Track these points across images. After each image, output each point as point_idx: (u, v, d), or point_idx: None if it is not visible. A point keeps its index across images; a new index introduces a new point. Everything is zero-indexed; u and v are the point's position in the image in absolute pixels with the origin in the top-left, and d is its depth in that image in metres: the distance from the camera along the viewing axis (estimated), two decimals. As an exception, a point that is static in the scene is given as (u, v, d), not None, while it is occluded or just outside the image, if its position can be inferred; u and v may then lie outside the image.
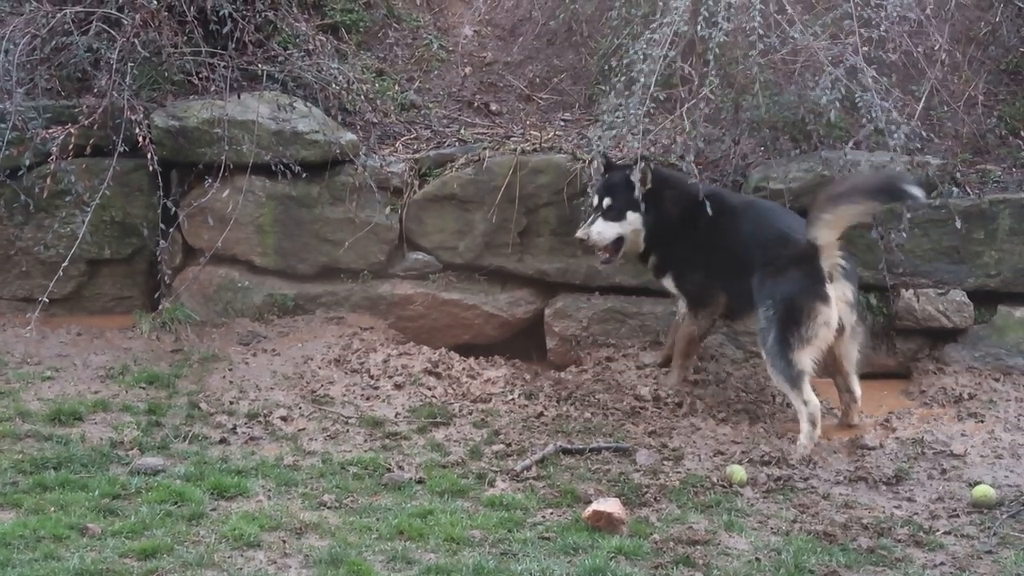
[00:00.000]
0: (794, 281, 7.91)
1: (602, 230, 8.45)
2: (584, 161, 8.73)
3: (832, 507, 7.13)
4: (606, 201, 8.45)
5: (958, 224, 8.67)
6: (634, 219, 8.45)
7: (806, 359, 7.87)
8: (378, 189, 9.10)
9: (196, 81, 9.29)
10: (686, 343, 8.62)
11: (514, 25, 10.48)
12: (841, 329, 8.03)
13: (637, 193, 8.31)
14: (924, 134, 8.59)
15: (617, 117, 8.51)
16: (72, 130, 8.64)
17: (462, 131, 9.60)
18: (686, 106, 8.57)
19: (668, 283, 8.61)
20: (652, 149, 8.92)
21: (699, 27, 8.41)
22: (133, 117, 8.75)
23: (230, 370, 8.59)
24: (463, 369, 8.71)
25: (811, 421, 7.84)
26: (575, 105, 9.87)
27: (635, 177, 8.30)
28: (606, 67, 8.88)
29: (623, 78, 8.54)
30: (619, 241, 8.50)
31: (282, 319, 9.22)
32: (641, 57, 8.39)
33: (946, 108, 9.41)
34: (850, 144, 8.87)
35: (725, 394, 8.57)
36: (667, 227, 8.45)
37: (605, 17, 9.58)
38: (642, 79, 8.34)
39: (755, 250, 8.11)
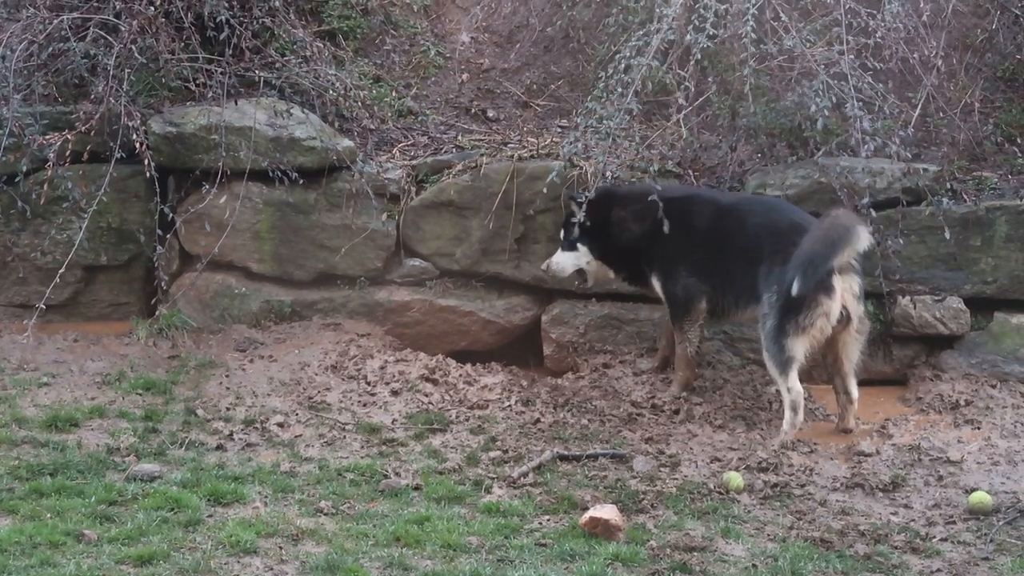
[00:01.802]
0: None
1: (560, 260, 8.77)
2: (580, 168, 8.73)
3: (829, 513, 7.13)
4: (563, 233, 8.72)
5: (947, 234, 8.68)
6: (583, 250, 8.71)
7: (799, 347, 7.97)
8: (375, 196, 9.10)
9: (193, 87, 9.28)
10: (686, 365, 8.62)
11: (511, 32, 10.49)
12: (847, 320, 8.09)
13: (579, 224, 8.59)
14: (911, 147, 8.58)
15: (595, 125, 8.53)
16: (69, 136, 8.65)
17: (459, 137, 9.61)
18: (682, 112, 8.58)
19: (656, 285, 8.67)
20: (645, 154, 8.95)
21: (689, 34, 8.43)
22: (130, 123, 8.76)
23: (227, 376, 8.58)
24: (460, 375, 8.71)
25: (793, 408, 7.99)
26: (572, 112, 9.85)
27: (576, 212, 8.53)
28: (603, 74, 8.88)
29: (603, 85, 8.55)
30: (580, 271, 8.79)
31: (279, 325, 9.22)
32: (624, 67, 8.41)
33: (942, 115, 9.42)
34: (832, 144, 8.90)
35: (722, 400, 8.57)
36: (632, 245, 8.54)
37: (602, 24, 9.59)
38: (619, 89, 8.36)
39: (765, 240, 8.14)
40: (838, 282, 7.98)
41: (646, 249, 8.53)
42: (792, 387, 7.99)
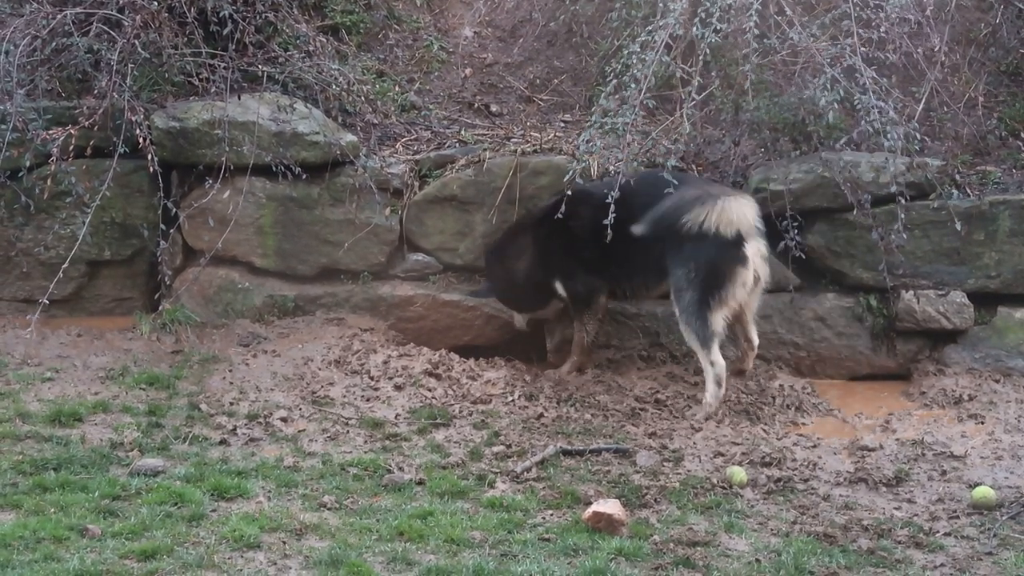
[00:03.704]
0: (715, 245, 8.16)
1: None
2: (583, 163, 8.72)
3: (832, 508, 7.13)
4: None
5: (958, 226, 8.68)
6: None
7: (720, 320, 8.26)
8: (378, 190, 9.10)
9: (196, 82, 9.29)
10: (581, 351, 8.91)
11: (514, 26, 10.49)
12: (756, 281, 8.38)
13: None
14: (920, 136, 8.59)
15: (606, 122, 8.52)
16: (72, 131, 8.64)
17: (462, 132, 9.60)
18: (686, 107, 8.57)
19: (559, 288, 8.89)
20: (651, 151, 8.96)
21: (695, 28, 8.43)
22: (133, 118, 8.75)
23: (230, 371, 8.59)
24: (463, 370, 8.71)
25: (716, 382, 8.30)
26: (575, 106, 9.87)
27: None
28: (606, 68, 8.88)
29: (614, 81, 8.55)
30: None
31: (282, 320, 9.22)
32: (635, 61, 8.41)
33: (946, 109, 9.41)
34: (842, 141, 8.90)
35: (725, 395, 8.56)
36: (525, 276, 8.91)
37: (605, 18, 9.58)
38: (633, 85, 8.36)
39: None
40: (749, 249, 8.24)
41: (546, 267, 8.84)
42: (715, 361, 8.26)
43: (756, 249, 8.31)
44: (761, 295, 8.56)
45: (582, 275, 8.73)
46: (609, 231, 8.07)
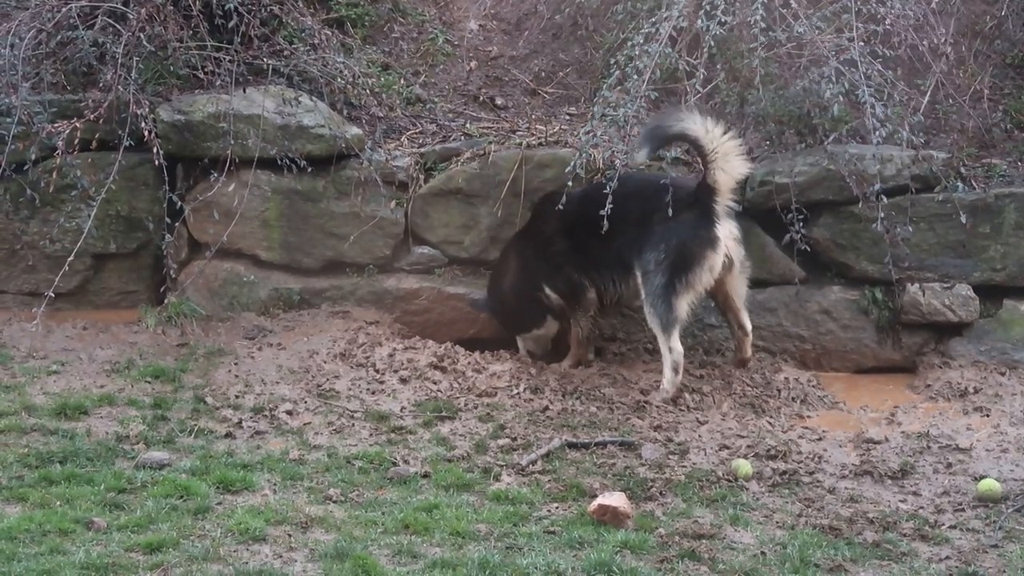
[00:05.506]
0: (686, 226, 8.21)
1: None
2: (585, 154, 8.72)
3: (837, 501, 7.13)
4: None
5: (963, 219, 8.67)
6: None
7: (685, 306, 8.28)
8: (383, 183, 9.10)
9: (201, 75, 9.29)
10: (578, 345, 8.96)
11: (519, 19, 10.48)
12: (730, 265, 8.36)
13: None
14: (920, 134, 8.58)
15: (608, 113, 8.52)
16: (78, 124, 8.65)
17: (467, 125, 9.60)
18: (692, 100, 8.57)
19: (547, 291, 8.88)
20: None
21: (700, 20, 8.43)
22: (139, 111, 8.75)
23: (236, 364, 8.59)
24: (468, 363, 8.71)
25: (674, 368, 8.34)
26: (581, 99, 9.86)
27: None
28: (611, 61, 8.88)
29: (617, 73, 8.55)
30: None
31: (287, 313, 9.23)
32: (639, 53, 8.41)
33: (951, 102, 9.40)
34: (844, 131, 8.91)
35: (731, 388, 8.57)
36: (522, 288, 8.91)
37: (611, 11, 9.58)
38: (636, 76, 8.36)
39: (630, 206, 8.25)
40: (720, 231, 8.23)
41: (532, 276, 8.84)
42: (674, 347, 8.30)
43: (728, 231, 8.30)
44: (745, 278, 8.55)
45: (560, 273, 8.74)
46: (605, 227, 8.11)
